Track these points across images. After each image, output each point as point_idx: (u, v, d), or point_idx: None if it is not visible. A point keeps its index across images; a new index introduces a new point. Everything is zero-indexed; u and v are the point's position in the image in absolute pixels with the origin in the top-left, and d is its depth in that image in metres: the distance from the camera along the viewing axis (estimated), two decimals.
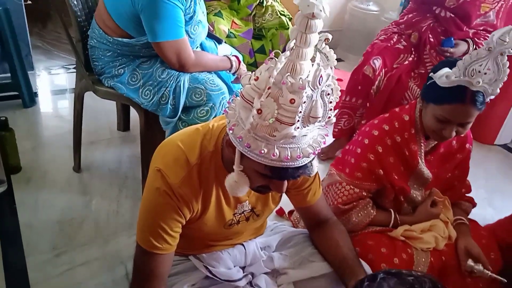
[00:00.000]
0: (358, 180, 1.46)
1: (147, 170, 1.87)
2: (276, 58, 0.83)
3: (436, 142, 1.45)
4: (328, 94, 0.83)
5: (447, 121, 1.30)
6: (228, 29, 2.31)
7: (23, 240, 1.67)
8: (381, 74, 2.06)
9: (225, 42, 2.09)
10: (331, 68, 0.84)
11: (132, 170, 2.17)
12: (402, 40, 2.17)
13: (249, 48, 2.39)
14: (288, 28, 2.49)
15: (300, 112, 0.80)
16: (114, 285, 1.51)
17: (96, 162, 2.22)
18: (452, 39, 2.06)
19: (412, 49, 2.12)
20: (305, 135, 0.86)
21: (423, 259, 1.38)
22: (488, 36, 1.75)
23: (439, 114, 1.30)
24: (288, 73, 0.80)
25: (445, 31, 2.10)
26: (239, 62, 1.83)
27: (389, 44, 2.12)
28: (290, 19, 2.56)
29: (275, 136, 0.82)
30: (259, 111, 0.81)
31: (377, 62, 2.08)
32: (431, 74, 1.29)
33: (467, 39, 2.09)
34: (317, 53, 0.83)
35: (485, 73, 1.21)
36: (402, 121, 1.43)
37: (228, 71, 1.82)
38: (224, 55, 1.83)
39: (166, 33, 1.56)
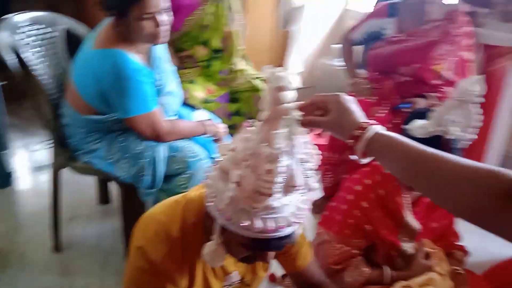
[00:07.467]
0: (347, 237, 1.42)
1: (129, 244, 1.81)
2: (252, 127, 0.82)
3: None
4: (307, 161, 0.82)
5: None
6: (204, 95, 2.33)
7: None
8: None
9: (203, 108, 2.10)
10: (305, 134, 0.83)
11: (114, 245, 2.08)
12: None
13: (227, 111, 2.40)
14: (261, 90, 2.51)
15: (279, 182, 0.78)
16: None
17: (77, 239, 2.13)
18: (407, 105, 2.07)
19: (382, 101, 2.15)
20: (287, 204, 0.83)
21: None
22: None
23: None
24: (266, 143, 0.79)
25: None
26: (214, 125, 1.82)
27: (359, 98, 2.14)
28: (264, 80, 2.59)
29: (255, 208, 0.80)
30: (238, 184, 0.79)
31: None
32: (404, 126, 1.31)
33: (425, 94, 2.11)
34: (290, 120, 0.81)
35: (460, 122, 1.23)
36: (384, 174, 1.42)
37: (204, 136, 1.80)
38: (199, 121, 1.82)
39: (136, 107, 1.55)
